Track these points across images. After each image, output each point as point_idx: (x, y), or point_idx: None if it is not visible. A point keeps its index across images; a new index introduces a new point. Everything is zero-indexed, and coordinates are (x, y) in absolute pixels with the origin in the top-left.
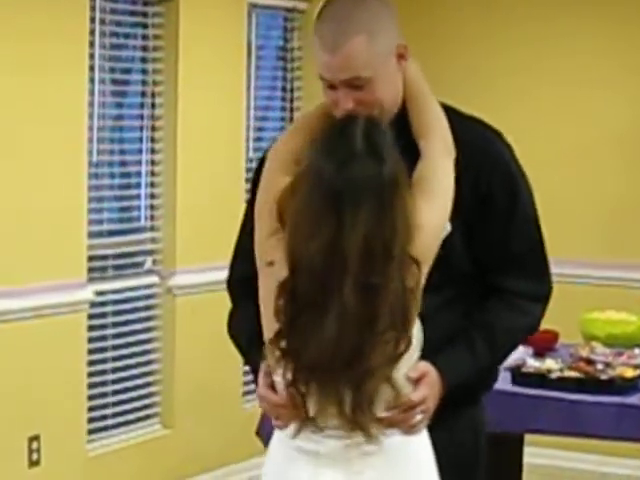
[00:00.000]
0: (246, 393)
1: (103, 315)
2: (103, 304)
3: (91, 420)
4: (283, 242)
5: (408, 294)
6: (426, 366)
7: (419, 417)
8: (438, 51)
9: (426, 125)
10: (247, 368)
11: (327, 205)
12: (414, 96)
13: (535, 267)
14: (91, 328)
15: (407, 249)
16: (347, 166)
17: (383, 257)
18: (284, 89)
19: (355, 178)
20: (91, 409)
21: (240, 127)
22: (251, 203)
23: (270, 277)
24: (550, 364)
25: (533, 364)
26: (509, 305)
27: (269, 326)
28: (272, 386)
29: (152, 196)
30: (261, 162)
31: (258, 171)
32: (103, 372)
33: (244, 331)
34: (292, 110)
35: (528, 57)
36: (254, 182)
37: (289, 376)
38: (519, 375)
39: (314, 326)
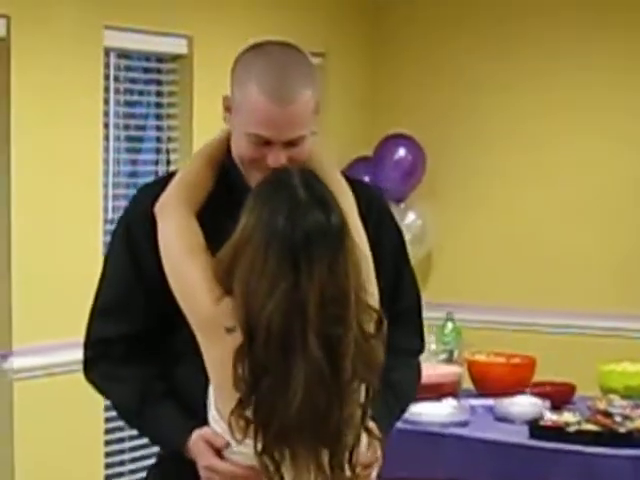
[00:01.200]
0: None
1: None
2: None
3: None
4: (233, 305)
5: (369, 340)
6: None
7: (374, 474)
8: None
9: (333, 182)
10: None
11: (283, 259)
12: (316, 157)
13: (418, 323)
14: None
15: (361, 295)
16: (297, 217)
17: (340, 305)
18: None
19: (307, 228)
20: None
21: None
22: (123, 254)
23: (228, 344)
24: (568, 417)
25: (550, 417)
26: (403, 362)
27: (227, 396)
28: (219, 454)
29: None
30: (130, 215)
31: (129, 225)
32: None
33: (138, 397)
34: None
35: (539, 108)
36: (126, 236)
37: (260, 445)
38: (537, 428)
39: (280, 389)
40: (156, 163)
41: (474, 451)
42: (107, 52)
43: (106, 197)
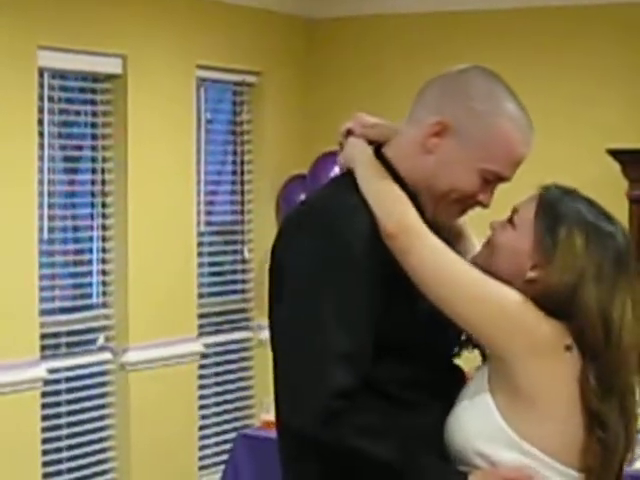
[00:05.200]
0: (201, 468)
1: (57, 393)
2: (56, 382)
3: None
4: (562, 327)
5: None
6: None
7: None
8: None
9: None
10: (202, 443)
11: (629, 276)
12: None
13: None
14: (45, 406)
15: None
16: (619, 232)
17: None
18: (234, 162)
19: (627, 240)
20: None
21: (191, 201)
22: (358, 285)
23: (567, 364)
24: None
25: None
26: None
27: (557, 426)
28: None
29: (104, 272)
30: (354, 237)
31: (356, 249)
32: (58, 450)
33: (400, 452)
34: (243, 183)
35: None
36: (358, 262)
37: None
38: None
39: (625, 411)
40: (92, 183)
41: None
42: (41, 72)
43: (41, 217)
